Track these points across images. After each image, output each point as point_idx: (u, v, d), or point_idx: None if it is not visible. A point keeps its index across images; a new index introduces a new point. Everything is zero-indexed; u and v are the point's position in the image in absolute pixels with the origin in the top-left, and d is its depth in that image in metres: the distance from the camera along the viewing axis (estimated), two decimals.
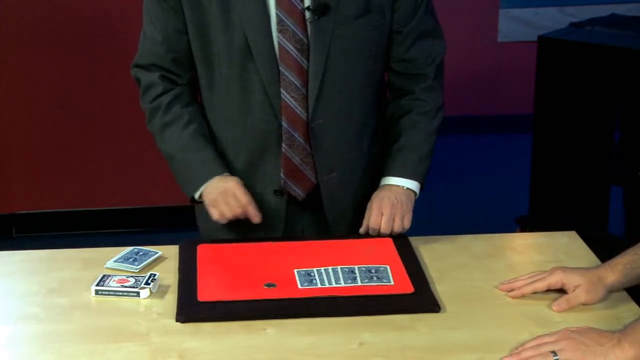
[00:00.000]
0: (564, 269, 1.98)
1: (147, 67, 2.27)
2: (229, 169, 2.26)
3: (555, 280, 1.96)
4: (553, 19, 5.21)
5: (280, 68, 2.17)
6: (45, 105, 4.37)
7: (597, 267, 1.99)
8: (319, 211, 2.30)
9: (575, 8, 5.33)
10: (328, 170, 2.26)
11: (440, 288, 2.02)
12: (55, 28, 4.29)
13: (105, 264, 2.11)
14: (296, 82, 2.17)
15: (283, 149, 2.22)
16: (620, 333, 1.73)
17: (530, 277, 1.99)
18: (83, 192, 4.49)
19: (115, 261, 2.11)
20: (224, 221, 2.20)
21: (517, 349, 1.77)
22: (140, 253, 2.15)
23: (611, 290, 1.96)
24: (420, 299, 1.96)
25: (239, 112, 2.23)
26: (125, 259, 2.12)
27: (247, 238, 2.27)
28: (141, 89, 2.29)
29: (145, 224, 4.46)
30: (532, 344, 1.76)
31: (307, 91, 2.18)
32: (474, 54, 5.50)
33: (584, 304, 1.93)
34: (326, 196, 2.28)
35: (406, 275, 2.04)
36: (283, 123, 2.20)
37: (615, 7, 4.75)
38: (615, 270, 1.95)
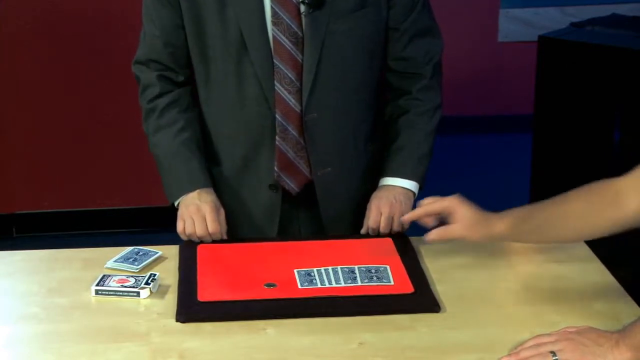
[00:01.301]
0: (465, 201, 1.98)
1: (146, 63, 2.28)
2: (225, 163, 2.28)
3: (448, 204, 1.98)
4: (553, 19, 5.21)
5: (275, 61, 2.17)
6: (45, 105, 4.37)
7: (493, 213, 1.99)
8: (315, 209, 2.30)
9: (575, 8, 5.33)
10: (322, 165, 2.26)
11: (440, 288, 2.01)
12: (55, 28, 4.29)
13: (105, 264, 2.11)
14: (290, 75, 2.17)
15: (277, 142, 2.22)
16: (618, 334, 1.72)
17: None
18: (83, 192, 4.49)
19: (115, 261, 2.11)
20: (184, 237, 2.20)
21: (516, 348, 1.77)
22: (140, 253, 2.15)
23: (498, 239, 1.98)
24: (420, 299, 1.96)
25: (234, 106, 2.24)
26: (125, 259, 2.12)
27: (246, 238, 2.27)
28: (140, 87, 2.31)
29: (145, 224, 4.45)
30: (531, 343, 1.76)
31: (301, 84, 2.18)
32: (474, 54, 5.49)
33: (461, 239, 1.96)
34: (320, 191, 2.28)
35: (406, 275, 2.04)
36: (277, 116, 2.20)
37: (616, 7, 4.75)
38: (505, 219, 1.94)
